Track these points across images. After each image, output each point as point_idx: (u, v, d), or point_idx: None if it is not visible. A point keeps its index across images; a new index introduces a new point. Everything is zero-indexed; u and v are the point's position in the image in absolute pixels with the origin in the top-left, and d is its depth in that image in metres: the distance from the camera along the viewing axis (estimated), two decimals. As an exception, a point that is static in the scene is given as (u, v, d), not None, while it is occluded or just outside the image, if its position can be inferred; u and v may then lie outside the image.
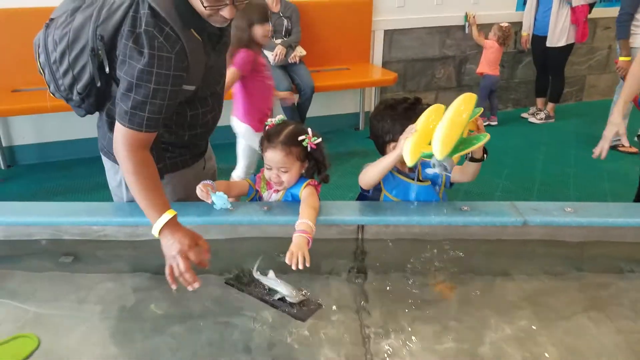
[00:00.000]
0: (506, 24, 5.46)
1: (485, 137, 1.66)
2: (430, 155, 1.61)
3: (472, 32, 5.54)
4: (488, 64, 5.50)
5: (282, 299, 1.58)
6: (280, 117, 1.95)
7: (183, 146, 1.90)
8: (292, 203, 1.88)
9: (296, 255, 1.55)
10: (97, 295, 1.66)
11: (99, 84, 1.67)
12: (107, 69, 1.63)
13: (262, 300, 1.60)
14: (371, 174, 1.87)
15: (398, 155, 1.72)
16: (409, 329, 1.50)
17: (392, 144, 1.92)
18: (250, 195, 2.02)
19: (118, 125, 1.61)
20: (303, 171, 1.92)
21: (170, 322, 1.55)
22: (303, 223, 1.68)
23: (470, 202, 1.86)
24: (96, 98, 1.76)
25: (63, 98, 1.81)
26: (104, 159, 1.94)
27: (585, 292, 1.71)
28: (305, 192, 1.86)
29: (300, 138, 1.86)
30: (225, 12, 1.55)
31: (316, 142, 1.87)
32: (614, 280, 1.78)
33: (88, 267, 1.83)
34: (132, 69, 1.53)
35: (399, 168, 1.95)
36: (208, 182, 1.83)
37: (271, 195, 1.97)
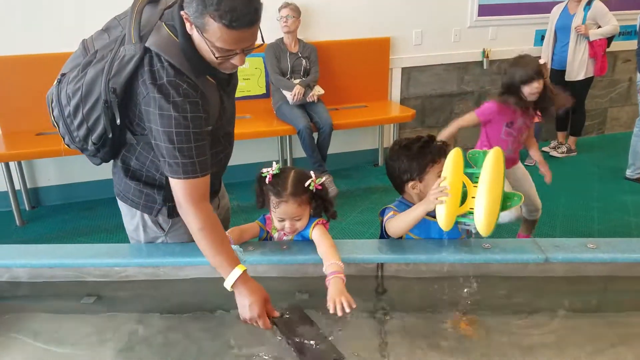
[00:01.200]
0: None
1: (520, 200, 1.70)
2: (467, 219, 1.71)
3: None
4: None
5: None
6: (276, 166, 1.90)
7: None
8: (307, 242, 1.89)
9: (339, 300, 1.55)
10: (119, 335, 1.67)
11: (110, 135, 1.70)
12: (118, 121, 1.66)
13: (288, 342, 1.59)
14: (400, 226, 1.88)
15: (427, 209, 1.77)
16: (431, 369, 1.48)
17: (410, 183, 1.94)
18: (261, 237, 2.01)
19: (175, 182, 1.65)
20: (310, 211, 1.92)
21: (191, 363, 1.55)
22: (332, 264, 1.68)
23: (491, 239, 1.85)
24: (111, 148, 1.79)
25: (78, 149, 1.85)
26: (120, 204, 1.96)
27: (609, 329, 1.67)
28: (317, 232, 1.86)
29: (306, 184, 1.86)
30: (236, 61, 1.59)
31: (320, 182, 1.88)
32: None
33: (110, 307, 1.84)
34: (166, 119, 1.57)
35: None
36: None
37: (282, 237, 1.98)
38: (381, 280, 1.84)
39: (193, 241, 1.92)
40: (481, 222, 1.66)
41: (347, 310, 1.53)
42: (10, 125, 4.35)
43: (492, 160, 1.69)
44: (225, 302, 1.78)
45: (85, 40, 1.78)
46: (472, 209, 1.70)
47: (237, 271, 1.63)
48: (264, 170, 1.89)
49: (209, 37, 1.49)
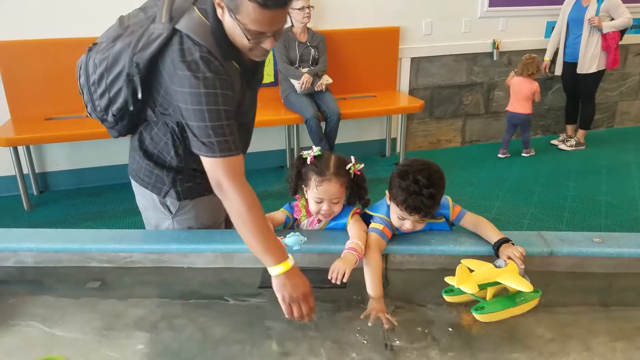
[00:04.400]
0: (526, 55, 5.35)
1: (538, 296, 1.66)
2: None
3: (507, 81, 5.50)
4: (515, 100, 5.39)
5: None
6: (317, 148, 1.92)
7: None
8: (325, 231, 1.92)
9: (338, 270, 1.62)
10: (124, 320, 1.67)
11: (131, 108, 1.71)
12: (139, 95, 1.66)
13: None
14: (365, 267, 1.75)
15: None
16: (433, 361, 1.48)
17: (387, 194, 1.88)
18: (287, 225, 2.01)
19: (211, 161, 1.62)
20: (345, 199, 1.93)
21: (196, 348, 1.56)
22: (353, 242, 1.74)
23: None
24: (129, 121, 1.81)
25: (99, 119, 1.85)
26: (133, 182, 1.97)
27: (613, 324, 1.67)
28: (354, 220, 1.89)
29: (347, 167, 1.88)
30: (267, 44, 1.59)
31: (360, 168, 1.91)
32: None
33: (115, 292, 1.85)
34: (196, 96, 1.56)
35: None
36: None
37: (313, 224, 1.97)
38: (385, 272, 1.84)
39: (201, 227, 1.94)
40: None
41: (340, 280, 1.62)
42: (20, 110, 4.37)
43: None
44: (230, 290, 1.79)
45: (122, 16, 1.79)
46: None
47: (291, 260, 1.61)
48: (304, 152, 1.91)
49: (242, 19, 1.49)
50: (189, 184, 1.89)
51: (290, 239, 1.77)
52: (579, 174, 4.98)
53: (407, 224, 1.79)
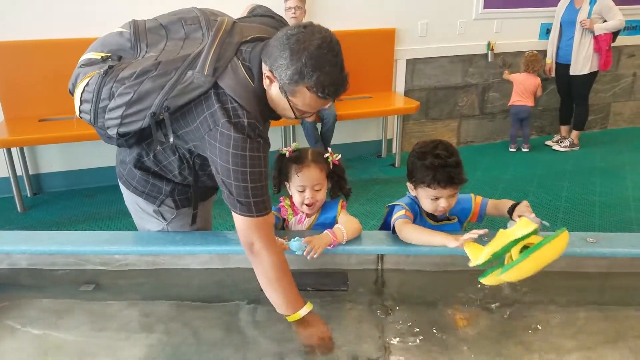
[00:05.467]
0: (529, 51, 5.48)
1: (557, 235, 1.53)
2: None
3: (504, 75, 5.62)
4: (521, 95, 5.51)
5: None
6: (294, 144, 1.98)
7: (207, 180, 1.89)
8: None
9: (313, 245, 1.71)
10: (118, 323, 1.67)
11: (159, 147, 1.70)
12: (171, 139, 1.61)
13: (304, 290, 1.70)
14: (412, 239, 1.80)
15: (446, 245, 1.70)
16: (429, 362, 1.48)
17: (409, 184, 1.93)
18: (277, 226, 2.01)
19: (244, 221, 1.60)
20: (328, 187, 1.98)
21: (191, 350, 1.55)
22: (338, 229, 1.80)
23: (492, 232, 1.84)
24: (135, 141, 1.71)
25: (97, 131, 1.76)
26: (122, 188, 1.93)
27: (607, 324, 1.67)
28: (344, 213, 1.95)
29: (325, 156, 1.94)
30: (309, 118, 1.66)
31: (337, 158, 1.96)
32: (638, 312, 1.74)
33: (109, 295, 1.84)
34: (241, 158, 1.53)
35: (428, 213, 1.93)
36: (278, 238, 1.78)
37: (303, 220, 1.98)
38: (381, 273, 1.84)
39: (193, 230, 1.93)
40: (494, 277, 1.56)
41: (307, 253, 1.71)
42: (13, 111, 4.35)
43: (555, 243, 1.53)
44: (225, 292, 1.79)
45: (136, 24, 1.67)
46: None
47: (307, 308, 1.63)
48: (283, 149, 1.96)
49: (295, 101, 1.51)
50: (186, 195, 1.88)
51: (294, 244, 1.76)
52: (573, 175, 4.99)
53: (442, 203, 1.82)
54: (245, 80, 1.55)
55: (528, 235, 1.51)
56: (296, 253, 1.75)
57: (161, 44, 1.62)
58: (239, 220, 1.61)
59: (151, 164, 1.79)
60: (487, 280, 1.55)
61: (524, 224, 1.54)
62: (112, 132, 1.66)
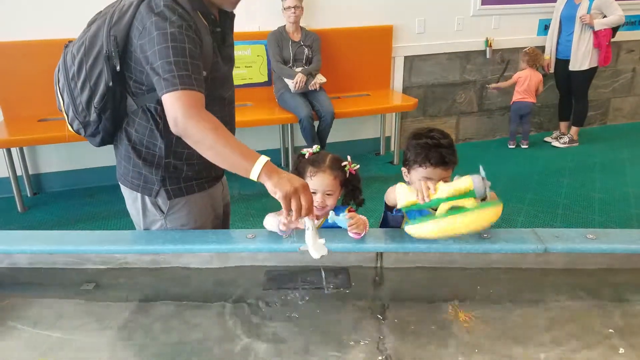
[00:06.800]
0: (530, 48, 5.49)
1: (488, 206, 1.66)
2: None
3: (504, 85, 5.64)
4: (524, 91, 5.53)
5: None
6: (316, 146, 2.00)
7: (199, 164, 1.91)
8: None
9: (357, 220, 1.76)
10: (118, 322, 1.67)
11: (111, 84, 1.70)
12: (117, 67, 1.67)
13: (304, 288, 1.70)
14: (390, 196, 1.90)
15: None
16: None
17: (403, 168, 2.01)
18: None
19: (171, 97, 1.57)
20: (340, 198, 1.98)
21: (192, 349, 1.55)
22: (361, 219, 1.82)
23: (491, 229, 1.85)
24: (112, 112, 1.78)
25: (81, 126, 1.87)
26: (123, 188, 1.98)
27: (607, 320, 1.67)
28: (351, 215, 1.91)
29: (343, 164, 1.94)
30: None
31: (355, 168, 1.96)
32: (639, 308, 1.74)
33: (109, 294, 1.84)
34: (162, 36, 1.57)
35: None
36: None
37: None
38: (380, 270, 1.84)
39: (193, 227, 1.94)
40: (420, 229, 1.68)
41: (350, 225, 1.75)
42: (13, 111, 4.36)
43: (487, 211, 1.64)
44: (225, 291, 1.79)
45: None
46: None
47: (264, 158, 1.55)
48: (304, 150, 1.98)
49: None
50: (179, 185, 1.90)
51: (338, 215, 1.77)
52: (572, 171, 5.00)
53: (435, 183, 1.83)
54: None
55: (465, 196, 1.61)
56: (337, 224, 1.77)
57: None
58: (166, 101, 1.58)
59: (138, 141, 1.84)
60: (409, 229, 1.68)
61: (463, 179, 1.64)
62: (91, 112, 1.78)
